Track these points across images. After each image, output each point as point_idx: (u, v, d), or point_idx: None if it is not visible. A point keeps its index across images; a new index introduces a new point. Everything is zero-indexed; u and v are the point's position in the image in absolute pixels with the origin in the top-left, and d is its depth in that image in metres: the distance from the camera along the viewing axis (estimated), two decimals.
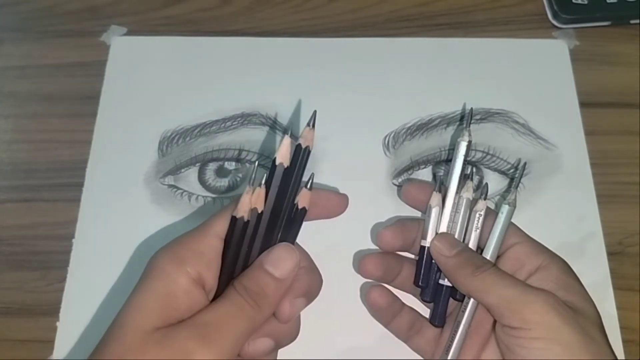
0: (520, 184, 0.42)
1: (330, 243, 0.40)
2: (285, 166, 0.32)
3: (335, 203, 0.36)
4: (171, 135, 0.44)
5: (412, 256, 0.38)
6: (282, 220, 0.33)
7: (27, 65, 0.47)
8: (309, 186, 0.33)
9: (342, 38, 0.48)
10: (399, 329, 0.37)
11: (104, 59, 0.47)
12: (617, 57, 0.47)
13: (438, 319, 0.36)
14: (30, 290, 0.40)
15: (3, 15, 0.50)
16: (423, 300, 0.37)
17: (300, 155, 0.32)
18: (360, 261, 0.36)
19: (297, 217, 0.33)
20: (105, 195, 0.42)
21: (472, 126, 0.43)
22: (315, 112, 0.33)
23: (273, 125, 0.44)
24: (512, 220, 0.36)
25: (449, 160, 0.43)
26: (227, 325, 0.29)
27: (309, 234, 0.39)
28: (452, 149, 0.43)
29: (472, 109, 0.40)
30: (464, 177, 0.37)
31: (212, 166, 0.43)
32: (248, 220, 0.31)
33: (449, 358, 0.34)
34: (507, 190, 0.42)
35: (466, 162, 0.37)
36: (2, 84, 0.47)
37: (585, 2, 0.48)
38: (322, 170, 0.43)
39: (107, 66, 0.47)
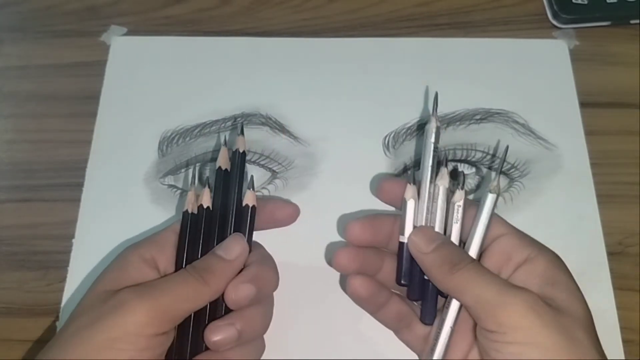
0: (519, 184, 0.42)
1: (330, 243, 0.40)
2: (224, 169, 0.37)
3: (286, 213, 0.39)
4: (171, 135, 0.44)
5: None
6: (232, 217, 0.36)
7: (27, 65, 0.47)
8: (251, 187, 0.37)
9: (342, 38, 0.48)
10: (386, 319, 0.36)
11: (104, 59, 0.47)
12: (617, 57, 0.47)
13: (427, 317, 0.35)
14: (30, 290, 0.40)
15: (3, 15, 0.50)
16: (410, 299, 0.36)
17: (236, 158, 0.38)
18: (334, 254, 0.35)
19: (244, 215, 0.36)
20: (105, 195, 0.42)
21: (472, 126, 0.44)
22: (242, 123, 0.40)
23: (273, 125, 0.44)
24: (512, 220, 0.35)
25: (449, 160, 0.42)
26: (166, 287, 0.32)
27: (309, 234, 0.40)
28: (452, 149, 0.43)
29: (437, 93, 0.38)
30: (437, 165, 0.36)
31: (212, 166, 0.43)
32: (194, 214, 0.36)
33: (434, 358, 0.33)
34: (508, 184, 0.42)
35: (437, 150, 0.36)
36: (2, 84, 0.47)
37: (585, 2, 0.49)
38: (322, 170, 0.43)
39: (107, 66, 0.47)
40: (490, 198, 0.33)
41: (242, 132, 0.38)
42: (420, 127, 0.44)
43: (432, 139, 0.36)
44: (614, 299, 0.39)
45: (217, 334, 0.32)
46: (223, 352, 0.33)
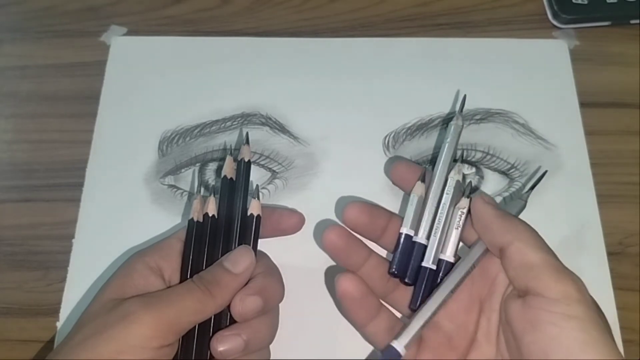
0: (520, 184, 0.42)
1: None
2: (229, 177, 0.37)
3: (291, 222, 0.38)
4: (171, 135, 0.44)
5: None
6: (237, 226, 0.36)
7: (27, 65, 0.47)
8: (256, 196, 0.37)
9: (342, 38, 0.48)
10: (376, 332, 0.35)
11: (104, 59, 0.47)
12: (617, 57, 0.47)
13: (420, 303, 0.34)
14: (30, 290, 0.40)
15: (3, 15, 0.50)
16: (404, 283, 0.36)
17: (242, 167, 0.38)
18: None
19: (249, 223, 0.36)
20: (105, 195, 0.42)
21: (471, 126, 0.44)
22: (247, 133, 0.40)
23: (273, 125, 0.44)
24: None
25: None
26: (172, 298, 0.32)
27: (310, 234, 0.40)
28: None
29: (465, 96, 0.40)
30: (453, 161, 0.37)
31: (212, 166, 0.43)
32: (200, 222, 0.36)
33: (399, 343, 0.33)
34: (508, 184, 0.42)
35: (456, 148, 0.37)
36: (2, 84, 0.47)
37: (585, 2, 0.49)
38: (322, 170, 0.43)
39: (107, 66, 0.47)
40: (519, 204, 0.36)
41: (247, 142, 0.39)
42: (420, 128, 0.44)
43: (455, 136, 0.38)
44: (614, 299, 0.39)
45: (224, 343, 0.32)
46: None
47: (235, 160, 0.38)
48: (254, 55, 0.47)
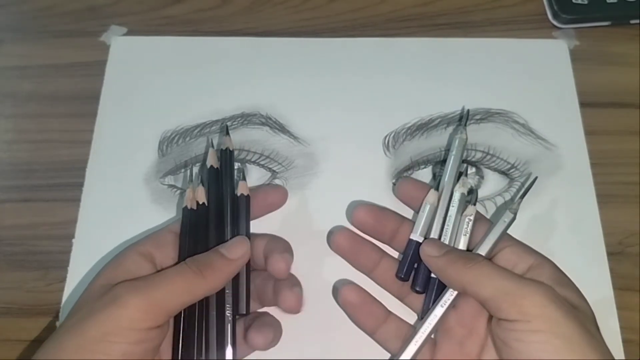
0: (520, 184, 0.42)
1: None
2: (215, 167, 0.39)
3: (277, 195, 0.40)
4: (171, 135, 0.44)
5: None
6: (228, 207, 0.38)
7: (27, 65, 0.47)
8: (243, 178, 0.39)
9: (342, 38, 0.48)
10: (386, 339, 0.36)
11: (104, 59, 0.47)
12: (617, 57, 0.47)
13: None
14: (30, 290, 0.40)
15: (3, 15, 0.50)
16: (415, 291, 0.36)
17: (226, 156, 0.40)
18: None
19: (241, 204, 0.38)
20: (105, 195, 0.42)
21: (472, 126, 0.44)
22: (227, 125, 0.43)
23: (273, 125, 0.44)
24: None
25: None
26: (161, 280, 0.33)
27: (310, 233, 0.40)
28: (450, 149, 0.43)
29: (468, 110, 0.41)
30: (459, 174, 0.38)
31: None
32: (193, 209, 0.37)
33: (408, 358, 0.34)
34: (511, 196, 0.42)
35: (461, 160, 0.38)
36: (2, 84, 0.47)
37: (585, 2, 0.49)
38: (322, 170, 0.43)
39: (107, 66, 0.47)
40: (510, 218, 0.35)
41: (227, 133, 0.41)
42: (420, 128, 0.44)
43: (460, 149, 0.39)
44: (614, 299, 0.39)
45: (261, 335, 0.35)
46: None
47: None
48: (254, 55, 0.47)
